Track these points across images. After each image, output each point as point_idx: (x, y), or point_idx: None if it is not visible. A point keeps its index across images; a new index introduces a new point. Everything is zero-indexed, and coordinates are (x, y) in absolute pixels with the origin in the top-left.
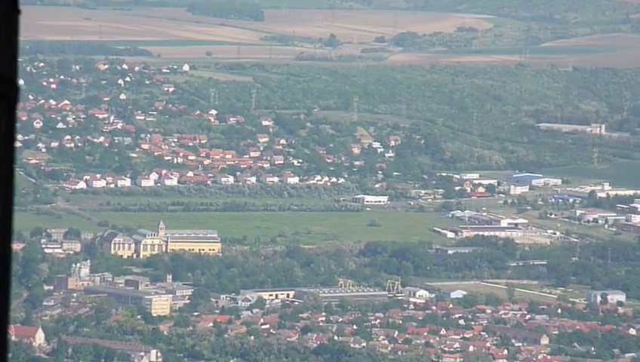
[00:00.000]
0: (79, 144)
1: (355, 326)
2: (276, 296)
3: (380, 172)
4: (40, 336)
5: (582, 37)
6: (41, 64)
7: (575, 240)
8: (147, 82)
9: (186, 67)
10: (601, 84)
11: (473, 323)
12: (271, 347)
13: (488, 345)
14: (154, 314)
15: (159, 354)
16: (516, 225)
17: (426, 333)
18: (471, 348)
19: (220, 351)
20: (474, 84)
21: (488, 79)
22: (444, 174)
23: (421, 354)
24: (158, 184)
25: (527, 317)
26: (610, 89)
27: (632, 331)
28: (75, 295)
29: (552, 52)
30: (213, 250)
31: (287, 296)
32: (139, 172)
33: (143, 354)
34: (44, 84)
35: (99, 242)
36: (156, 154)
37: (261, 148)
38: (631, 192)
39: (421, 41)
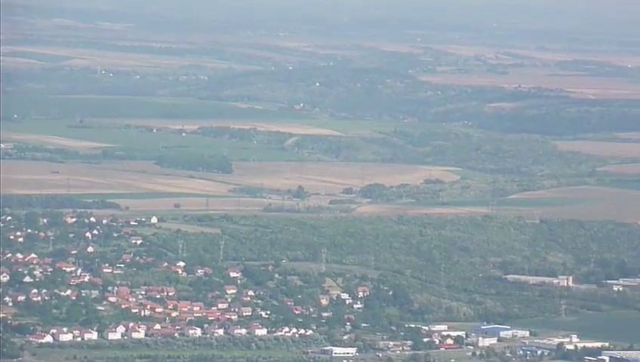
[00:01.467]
0: (46, 297)
1: None
2: None
3: (348, 323)
4: None
5: (548, 189)
6: (9, 218)
7: None
8: (115, 235)
9: (154, 219)
10: (567, 236)
11: None
12: None
13: None
14: None
15: None
16: None
17: None
18: None
19: None
20: (441, 235)
21: (456, 231)
22: (413, 326)
23: None
24: (125, 337)
25: None
26: (577, 241)
27: None
28: None
29: (518, 204)
30: None
31: None
32: (106, 325)
33: None
34: (12, 237)
35: None
36: (123, 306)
37: (229, 300)
38: (599, 344)
39: (389, 192)
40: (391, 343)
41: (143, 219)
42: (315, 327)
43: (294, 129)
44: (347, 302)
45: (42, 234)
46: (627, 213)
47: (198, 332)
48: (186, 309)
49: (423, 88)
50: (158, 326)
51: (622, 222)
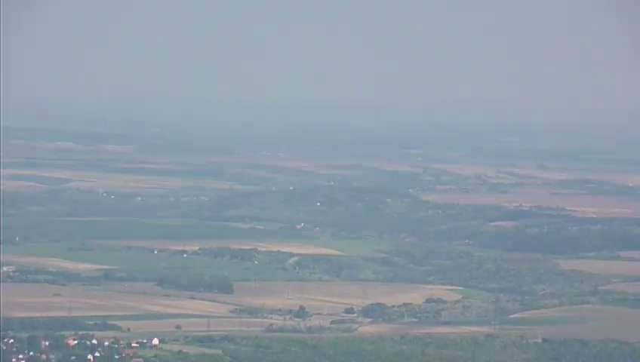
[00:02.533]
0: None
1: None
2: None
3: None
4: None
5: (550, 308)
6: (11, 341)
7: None
8: (117, 357)
9: (155, 341)
10: (570, 355)
11: None
12: None
13: None
14: None
15: None
16: None
17: None
18: None
19: None
20: (444, 355)
21: (458, 350)
22: None
23: None
24: None
25: None
26: (580, 361)
27: None
28: None
29: (521, 323)
30: None
31: None
32: None
33: None
34: (14, 360)
35: None
36: None
37: None
38: None
39: (390, 312)
40: None
41: (145, 341)
42: None
43: (295, 249)
44: None
45: (44, 356)
46: (630, 332)
47: None
48: None
49: (424, 207)
50: None
51: (625, 341)
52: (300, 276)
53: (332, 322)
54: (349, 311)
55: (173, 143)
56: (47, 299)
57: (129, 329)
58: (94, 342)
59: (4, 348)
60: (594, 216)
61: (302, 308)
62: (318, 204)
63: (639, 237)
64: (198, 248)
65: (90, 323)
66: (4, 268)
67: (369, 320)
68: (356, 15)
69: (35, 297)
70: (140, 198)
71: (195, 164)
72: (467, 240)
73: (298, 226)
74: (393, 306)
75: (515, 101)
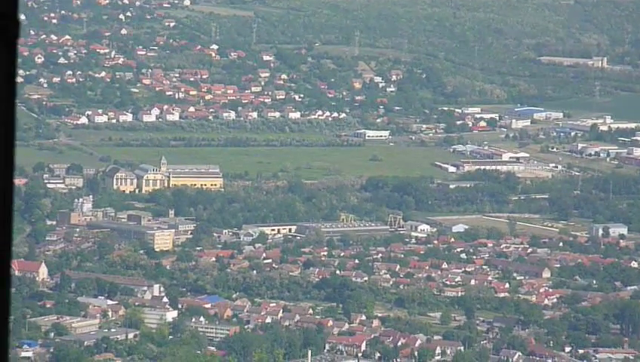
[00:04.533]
0: (81, 79)
1: (357, 261)
2: (278, 230)
3: (381, 106)
4: (43, 271)
5: None
6: None
7: (577, 173)
8: (148, 17)
9: (187, 1)
10: (602, 16)
11: (474, 256)
12: (273, 281)
13: (490, 278)
14: (156, 249)
15: (162, 289)
16: (518, 158)
17: (427, 267)
18: (472, 282)
19: (223, 285)
20: (475, 17)
21: (490, 12)
22: (446, 108)
23: (422, 288)
24: (160, 119)
25: (529, 250)
26: (612, 22)
27: (634, 264)
28: (77, 230)
29: None
30: (215, 185)
31: (289, 230)
32: (140, 107)
33: (145, 288)
34: (45, 19)
35: (101, 177)
36: (158, 89)
37: (262, 83)
38: (633, 125)
39: None
40: (424, 126)
41: (176, 1)
42: (348, 111)
43: None
44: (380, 85)
45: (76, 15)
46: None
47: (232, 115)
48: (219, 92)
49: None
50: (192, 109)
51: None
52: None
53: None
54: None
55: None
56: None
57: None
58: (125, 1)
59: (36, 6)
60: None
61: None
62: None
63: None
64: None
65: None
66: None
67: None
68: None
69: None
70: None
71: None
72: None
73: None
74: None
75: None
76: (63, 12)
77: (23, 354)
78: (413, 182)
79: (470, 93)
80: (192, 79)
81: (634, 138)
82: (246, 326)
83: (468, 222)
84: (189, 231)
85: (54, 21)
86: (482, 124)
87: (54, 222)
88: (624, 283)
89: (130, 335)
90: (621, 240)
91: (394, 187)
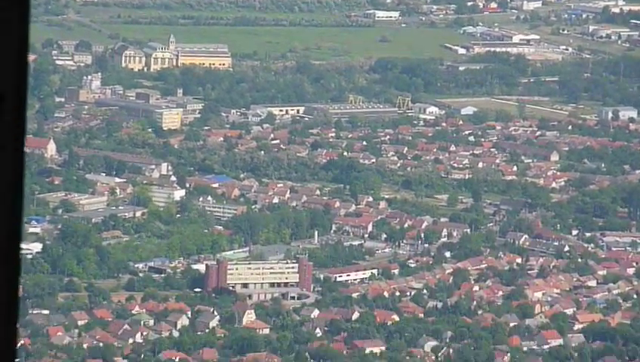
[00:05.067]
0: None
1: (364, 142)
2: (286, 111)
3: None
4: (52, 148)
5: None
6: None
7: (587, 56)
8: None
9: None
10: None
11: (483, 139)
12: (281, 162)
13: (498, 161)
14: (164, 128)
15: (170, 167)
16: (528, 40)
17: (435, 149)
18: (480, 165)
19: (230, 165)
20: None
21: None
22: None
23: (430, 170)
24: None
25: (538, 133)
26: None
27: None
28: (86, 107)
29: None
30: (224, 64)
31: (297, 111)
32: None
33: (153, 166)
34: None
35: (110, 55)
36: None
37: None
38: None
39: None
40: (434, 7)
41: None
42: None
43: None
44: None
45: None
46: None
47: None
48: None
49: None
50: None
51: None
52: None
53: None
54: None
55: None
56: None
57: None
58: None
59: None
60: None
61: None
62: None
63: None
64: None
65: None
66: None
67: None
68: None
69: None
70: None
71: None
72: None
73: None
74: None
75: None
76: None
77: (31, 229)
78: (423, 63)
79: None
80: None
81: None
82: (253, 206)
83: (477, 104)
84: (197, 111)
85: None
86: (493, 5)
87: (63, 99)
88: (633, 166)
89: (138, 213)
90: (631, 124)
91: (403, 68)
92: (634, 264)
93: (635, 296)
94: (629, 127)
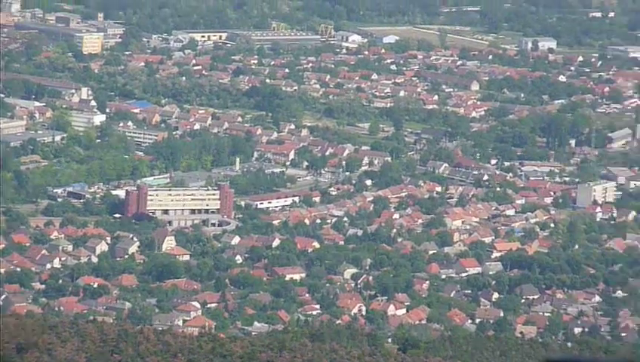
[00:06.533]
0: None
1: (287, 70)
2: (208, 37)
3: None
4: None
5: None
6: None
7: None
8: None
9: None
10: None
11: (404, 68)
12: (202, 88)
13: (419, 90)
14: (85, 52)
15: (90, 92)
16: None
17: (357, 78)
18: (402, 93)
19: (152, 90)
20: None
21: None
22: None
23: (352, 98)
24: None
25: (459, 62)
26: None
27: (562, 78)
28: (5, 30)
29: None
30: None
31: (220, 37)
32: None
33: (73, 91)
34: None
35: None
36: None
37: None
38: None
39: None
40: None
41: None
42: None
43: None
44: None
45: None
46: None
47: None
48: None
49: None
50: None
51: None
52: None
53: None
54: None
55: None
56: None
57: None
58: None
59: None
60: None
61: None
62: None
63: None
64: None
65: None
66: None
67: None
68: None
69: None
70: None
71: None
72: None
73: None
74: None
75: None
76: None
77: None
78: None
79: None
80: None
81: None
82: (174, 133)
83: (399, 33)
84: (118, 35)
85: None
86: None
87: None
88: (551, 96)
89: (57, 138)
90: (550, 54)
91: None
92: (552, 193)
93: (552, 225)
94: (548, 58)
